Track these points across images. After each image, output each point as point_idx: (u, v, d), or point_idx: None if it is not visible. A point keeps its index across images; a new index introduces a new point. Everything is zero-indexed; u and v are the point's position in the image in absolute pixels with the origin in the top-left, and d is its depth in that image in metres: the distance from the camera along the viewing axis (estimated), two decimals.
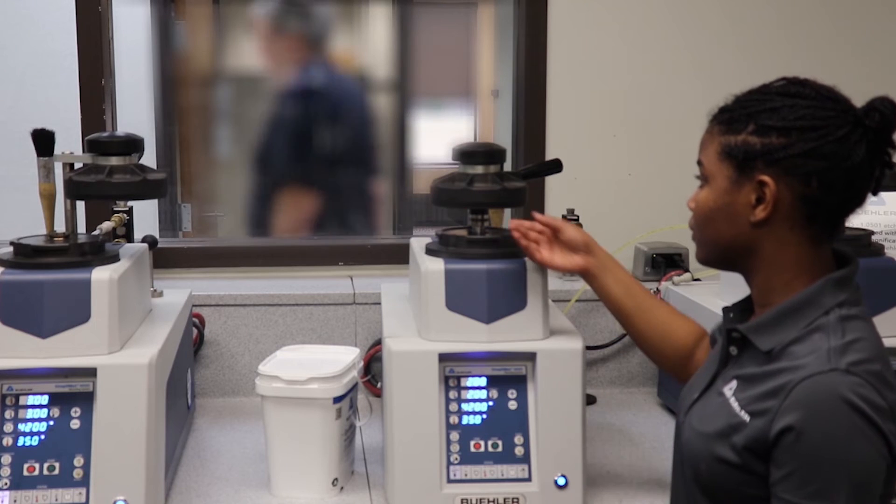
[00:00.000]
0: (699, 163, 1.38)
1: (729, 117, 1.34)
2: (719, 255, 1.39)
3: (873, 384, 1.23)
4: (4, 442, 1.82)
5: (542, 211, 2.88)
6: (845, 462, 1.20)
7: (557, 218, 1.87)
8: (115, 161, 1.96)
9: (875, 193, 1.34)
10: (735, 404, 1.31)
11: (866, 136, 1.28)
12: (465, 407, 1.96)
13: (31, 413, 1.84)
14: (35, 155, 1.98)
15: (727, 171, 1.32)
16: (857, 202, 1.33)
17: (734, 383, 1.35)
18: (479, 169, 2.07)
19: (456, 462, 1.94)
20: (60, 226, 2.00)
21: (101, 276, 1.86)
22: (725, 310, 1.46)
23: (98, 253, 1.96)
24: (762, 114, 1.30)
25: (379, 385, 2.42)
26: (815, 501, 1.20)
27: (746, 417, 1.28)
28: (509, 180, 2.07)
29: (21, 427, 1.83)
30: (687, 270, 2.67)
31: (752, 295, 1.41)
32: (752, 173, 1.30)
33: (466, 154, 2.09)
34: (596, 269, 1.78)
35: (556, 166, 2.13)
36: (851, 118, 1.29)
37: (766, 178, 1.29)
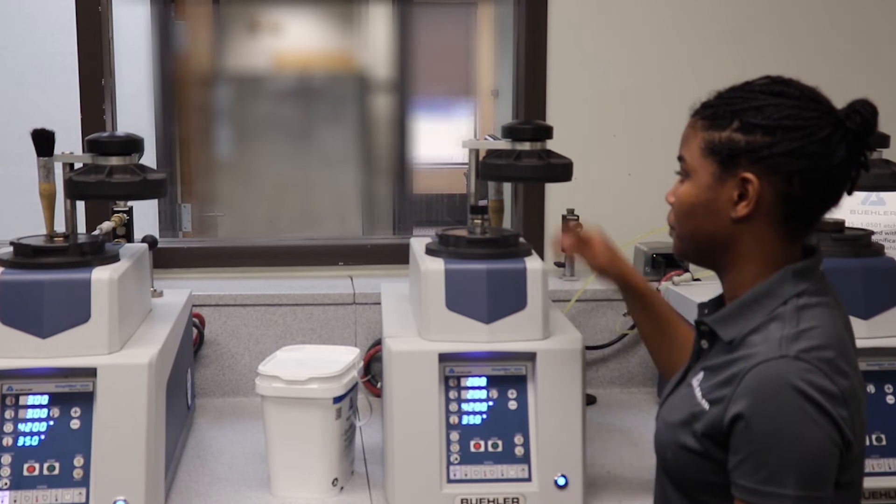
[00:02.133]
0: (680, 158, 1.40)
1: (712, 113, 1.35)
2: (696, 249, 1.41)
3: (823, 370, 1.25)
4: (4, 442, 1.82)
5: (542, 211, 2.88)
6: (793, 447, 1.22)
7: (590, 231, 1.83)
8: (115, 161, 1.96)
9: (850, 193, 1.36)
10: (698, 393, 1.35)
11: (847, 137, 1.31)
12: (465, 407, 1.97)
13: (31, 413, 1.84)
14: (35, 155, 1.98)
15: (710, 166, 1.34)
16: (833, 202, 1.36)
17: (701, 374, 1.38)
18: (527, 145, 2.10)
19: (456, 462, 1.94)
20: (60, 226, 2.00)
21: (101, 276, 1.86)
22: (701, 305, 1.48)
23: (98, 253, 1.96)
24: (747, 111, 1.32)
25: (379, 385, 2.42)
26: (767, 486, 1.23)
27: (706, 405, 1.31)
28: (554, 157, 2.12)
29: (21, 427, 1.83)
30: (687, 270, 2.67)
31: (724, 289, 1.43)
32: (736, 170, 1.32)
33: (514, 130, 2.14)
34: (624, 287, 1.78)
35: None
36: (833, 119, 1.31)
37: (749, 176, 1.31)
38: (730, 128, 1.32)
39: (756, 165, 1.31)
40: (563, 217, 2.73)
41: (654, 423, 1.52)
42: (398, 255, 2.67)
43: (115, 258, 1.97)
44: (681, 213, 1.39)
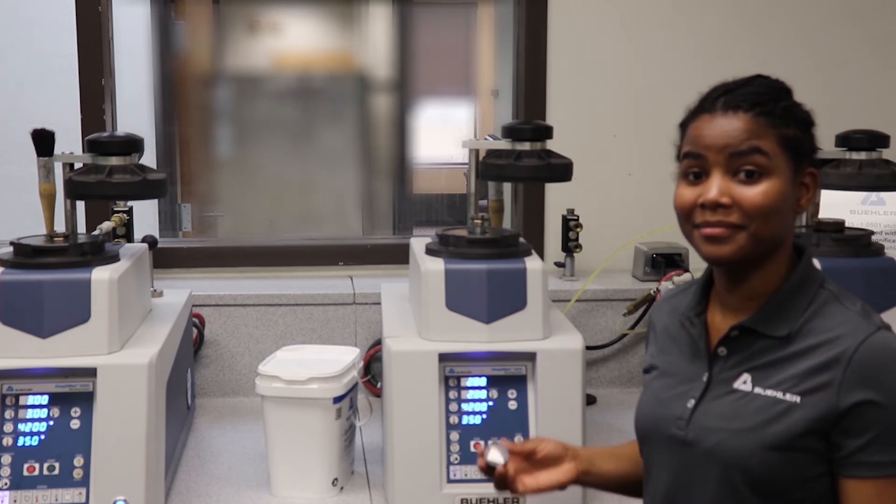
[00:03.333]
0: (757, 150, 1.32)
1: (769, 110, 1.34)
2: (766, 248, 1.37)
3: None
4: (4, 442, 1.82)
5: (542, 211, 2.88)
6: None
7: (528, 442, 1.55)
8: (115, 161, 1.96)
9: None
10: (769, 392, 1.32)
11: None
12: (465, 407, 1.97)
13: (31, 413, 1.84)
14: (35, 155, 1.98)
15: (788, 163, 1.35)
16: None
17: (747, 377, 1.35)
18: (527, 145, 2.11)
19: (456, 462, 1.94)
20: (60, 226, 2.00)
21: (101, 276, 1.86)
22: (685, 317, 1.47)
23: (98, 253, 1.96)
24: (792, 108, 1.36)
25: (379, 385, 2.42)
26: None
27: (796, 399, 1.30)
28: (554, 157, 2.12)
29: (21, 427, 1.83)
30: (687, 270, 2.67)
31: (746, 289, 1.39)
32: (804, 165, 1.36)
33: (514, 130, 2.14)
34: (587, 464, 1.57)
35: None
36: None
37: (813, 170, 1.38)
38: (792, 125, 1.34)
39: (810, 159, 1.37)
40: (564, 217, 2.73)
41: (656, 445, 1.47)
42: (398, 255, 2.67)
43: (115, 258, 1.97)
44: (769, 213, 1.33)
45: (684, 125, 1.40)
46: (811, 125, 1.37)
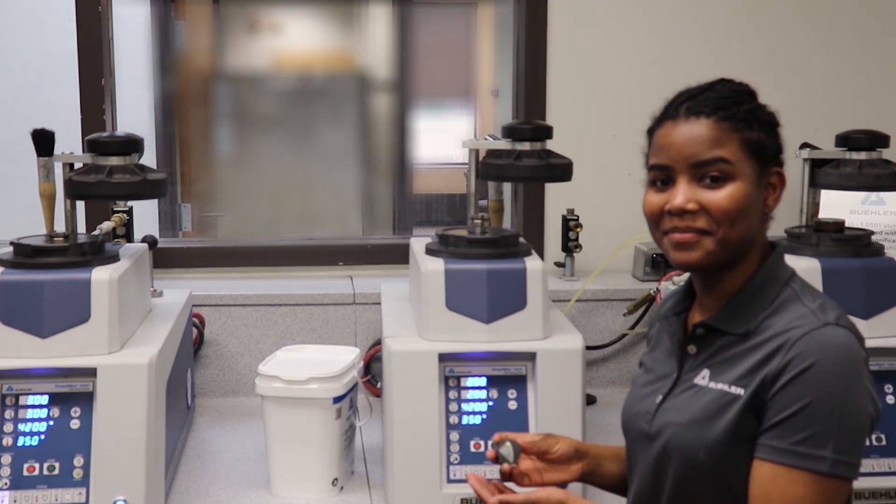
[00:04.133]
0: (720, 159, 1.34)
1: (732, 114, 1.36)
2: (735, 252, 1.38)
3: (857, 336, 1.31)
4: (4, 442, 1.82)
5: (542, 211, 2.88)
6: (841, 411, 1.25)
7: (539, 438, 1.59)
8: (115, 161, 1.96)
9: None
10: (720, 386, 1.35)
11: None
12: (465, 407, 1.97)
13: (31, 413, 1.84)
14: (35, 155, 1.98)
15: (753, 166, 1.36)
16: None
17: (705, 372, 1.39)
18: (527, 145, 2.11)
19: (456, 462, 1.94)
20: (60, 226, 2.00)
21: (101, 276, 1.87)
22: (663, 317, 1.50)
23: (98, 253, 1.96)
24: (755, 112, 1.37)
25: (379, 385, 2.42)
26: (804, 447, 1.25)
27: (740, 391, 1.32)
28: (554, 157, 2.13)
29: (21, 427, 1.83)
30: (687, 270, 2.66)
31: (717, 288, 1.41)
32: (769, 167, 1.37)
33: (514, 130, 2.14)
34: (594, 465, 1.61)
35: None
36: None
37: (779, 170, 1.39)
38: (755, 128, 1.36)
39: (776, 160, 1.39)
40: (564, 217, 2.73)
41: (630, 443, 1.50)
42: (398, 255, 2.67)
43: (115, 258, 1.97)
44: (735, 216, 1.35)
45: (650, 132, 1.45)
46: (776, 126, 1.39)
